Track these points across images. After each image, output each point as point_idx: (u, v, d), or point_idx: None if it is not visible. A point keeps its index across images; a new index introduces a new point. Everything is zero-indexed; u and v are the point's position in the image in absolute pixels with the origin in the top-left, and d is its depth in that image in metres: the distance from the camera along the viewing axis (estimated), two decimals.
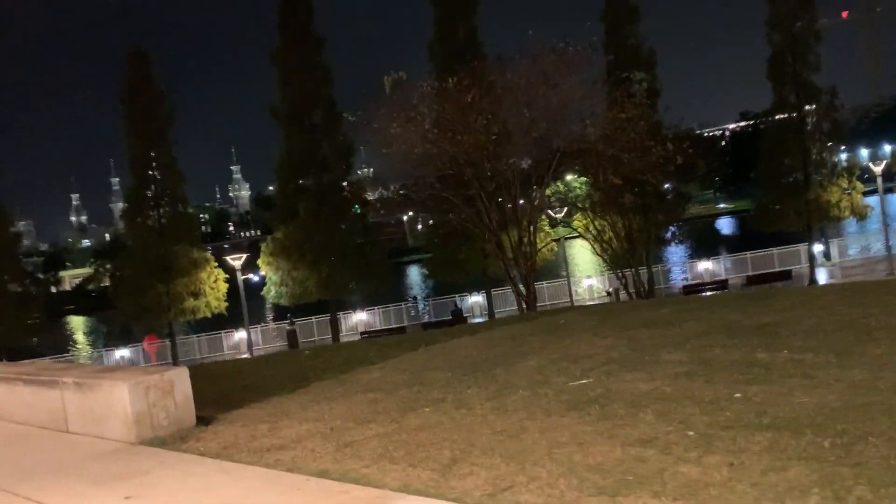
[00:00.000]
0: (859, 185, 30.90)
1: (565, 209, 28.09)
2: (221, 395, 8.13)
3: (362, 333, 33.15)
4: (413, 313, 39.10)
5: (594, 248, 27.88)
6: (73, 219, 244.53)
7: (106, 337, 68.80)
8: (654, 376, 6.10)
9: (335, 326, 33.13)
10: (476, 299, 36.48)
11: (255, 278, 36.93)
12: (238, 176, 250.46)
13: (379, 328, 34.65)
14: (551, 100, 16.55)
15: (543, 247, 19.87)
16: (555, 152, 17.26)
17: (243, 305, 31.14)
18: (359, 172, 33.98)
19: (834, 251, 34.19)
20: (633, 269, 24.47)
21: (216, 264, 34.32)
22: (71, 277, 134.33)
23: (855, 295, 9.46)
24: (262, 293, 33.58)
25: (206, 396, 7.35)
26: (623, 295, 29.59)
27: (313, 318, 36.05)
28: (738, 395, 5.22)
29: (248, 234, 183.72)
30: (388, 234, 57.49)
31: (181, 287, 33.02)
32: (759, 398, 5.06)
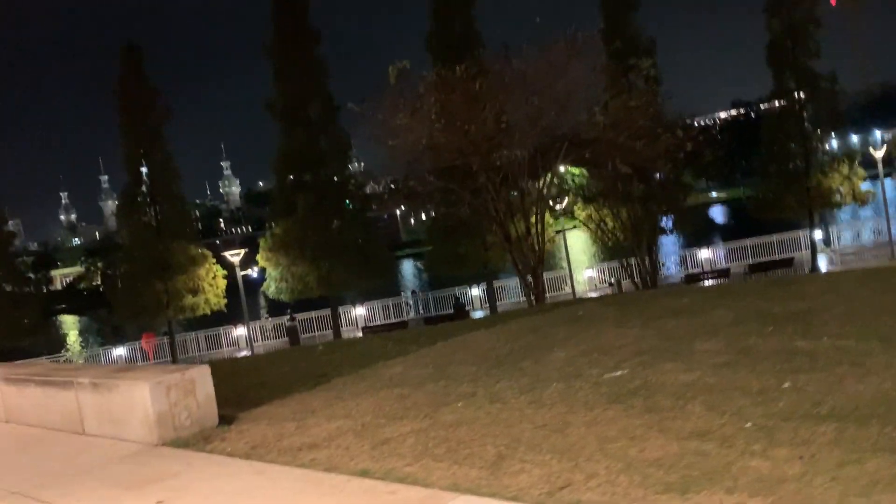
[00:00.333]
0: (860, 172, 30.91)
1: (566, 200, 27.92)
2: (238, 393, 7.92)
3: (363, 328, 32.95)
4: (411, 308, 38.89)
5: (598, 239, 27.74)
6: (62, 217, 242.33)
7: (99, 336, 68.39)
8: (693, 367, 5.93)
9: (336, 322, 32.92)
10: (475, 292, 36.34)
11: (254, 274, 36.65)
12: (228, 172, 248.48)
13: (379, 323, 34.47)
14: (559, 88, 16.35)
15: (550, 239, 19.73)
16: (562, 141, 17.07)
17: (243, 302, 30.92)
18: (349, 168, 33.45)
19: (833, 238, 34.19)
20: (637, 259, 24.34)
21: (214, 260, 34.03)
22: (61, 276, 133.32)
23: (878, 281, 9.34)
24: (261, 289, 33.31)
25: (222, 395, 7.13)
26: (627, 285, 29.52)
27: (313, 314, 35.83)
28: (786, 384, 5.06)
29: (239, 230, 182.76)
30: (380, 230, 57.31)
31: (180, 284, 32.70)
32: (811, 388, 4.90)
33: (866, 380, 4.90)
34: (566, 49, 16.57)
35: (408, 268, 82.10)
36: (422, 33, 31.53)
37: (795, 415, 4.40)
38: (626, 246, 27.13)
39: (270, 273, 32.13)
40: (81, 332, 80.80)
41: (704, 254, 35.11)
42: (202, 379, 6.47)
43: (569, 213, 28.27)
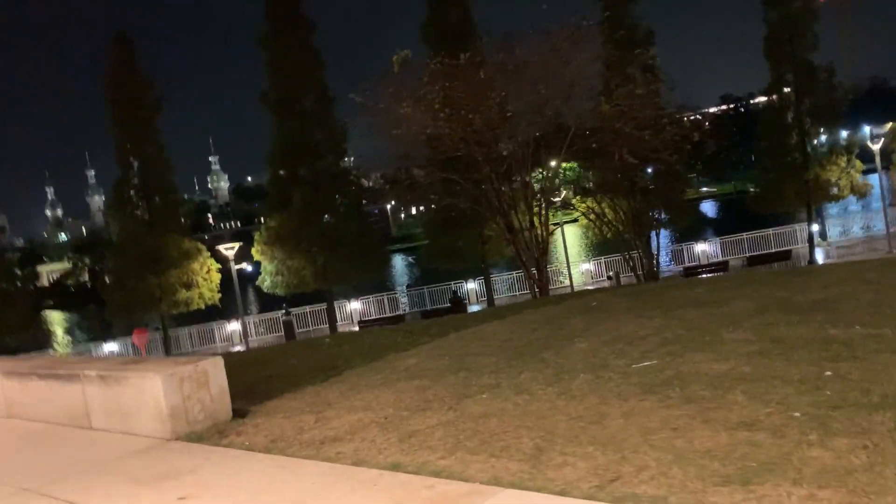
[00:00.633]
0: (858, 164, 30.93)
1: (563, 193, 27.75)
2: (247, 386, 7.70)
3: (360, 322, 32.69)
4: (406, 302, 38.63)
5: (597, 232, 27.58)
6: (48, 213, 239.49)
7: (87, 332, 67.81)
8: (724, 356, 5.77)
9: (332, 316, 32.64)
10: (471, 286, 36.17)
11: (249, 268, 36.27)
12: (217, 167, 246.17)
13: (375, 317, 34.22)
14: (564, 76, 16.14)
15: (551, 231, 19.55)
16: (567, 130, 16.87)
17: (237, 296, 30.57)
18: (345, 160, 33.05)
19: (829, 231, 34.26)
20: (639, 252, 24.22)
21: (209, 254, 33.64)
22: (48, 272, 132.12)
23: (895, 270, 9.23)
24: (257, 283, 32.93)
25: (231, 388, 6.93)
26: (624, 279, 29.40)
27: (307, 308, 35.53)
28: (828, 373, 4.90)
29: (228, 226, 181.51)
30: (370, 225, 56.73)
31: (173, 278, 32.31)
32: (855, 376, 4.74)
33: None
34: (571, 36, 16.36)
35: (399, 263, 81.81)
36: (415, 23, 31.33)
37: (846, 403, 4.24)
38: (623, 239, 27.03)
39: (265, 267, 31.78)
40: (70, 329, 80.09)
41: (701, 247, 35.12)
42: (215, 371, 6.26)
43: (567, 205, 28.06)
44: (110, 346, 36.23)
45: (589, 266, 36.25)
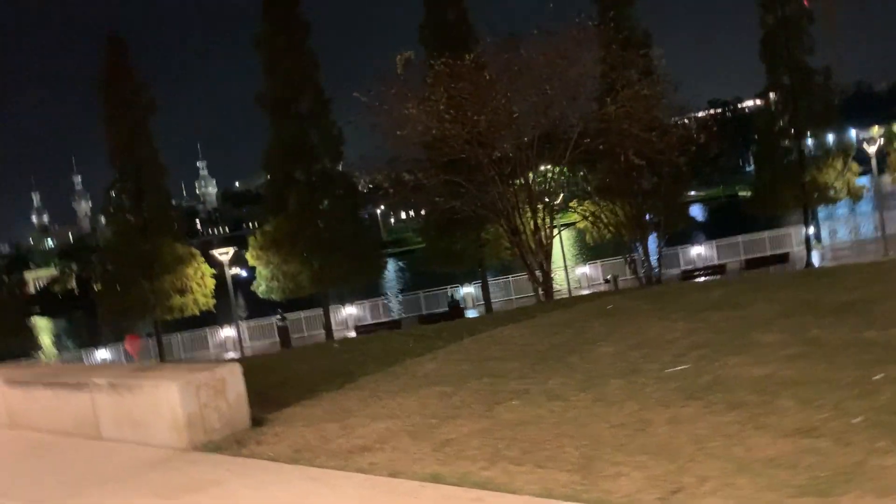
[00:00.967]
0: (854, 166, 31.03)
1: (560, 196, 27.60)
2: (258, 393, 7.41)
3: (356, 328, 32.39)
4: (398, 306, 38.35)
5: (599, 234, 27.46)
6: (34, 219, 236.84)
7: (75, 338, 67.03)
8: (762, 360, 5.60)
9: (328, 321, 32.31)
10: (467, 290, 35.96)
11: (244, 273, 35.88)
12: (204, 172, 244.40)
13: (371, 322, 33.94)
14: (570, 76, 16.01)
15: (558, 233, 19.40)
16: (572, 131, 16.73)
17: (232, 302, 30.23)
18: (342, 162, 32.75)
19: (824, 234, 34.37)
20: (642, 254, 24.11)
21: (203, 259, 33.23)
22: (35, 279, 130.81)
23: None
24: (251, 288, 32.55)
25: None
26: (623, 282, 29.29)
27: (302, 314, 35.19)
28: (878, 376, 4.74)
29: (217, 231, 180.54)
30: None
31: (167, 284, 31.89)
32: None
33: None
34: (577, 36, 16.25)
35: (391, 267, 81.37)
36: (412, 24, 31.19)
37: None
38: (623, 242, 26.92)
39: (261, 272, 31.43)
40: (57, 336, 79.15)
41: (696, 250, 35.08)
42: (233, 378, 6.02)
43: (566, 209, 27.90)
44: (102, 354, 35.77)
45: (585, 270, 36.14)
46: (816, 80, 30.00)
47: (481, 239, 29.98)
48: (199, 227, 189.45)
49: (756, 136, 33.53)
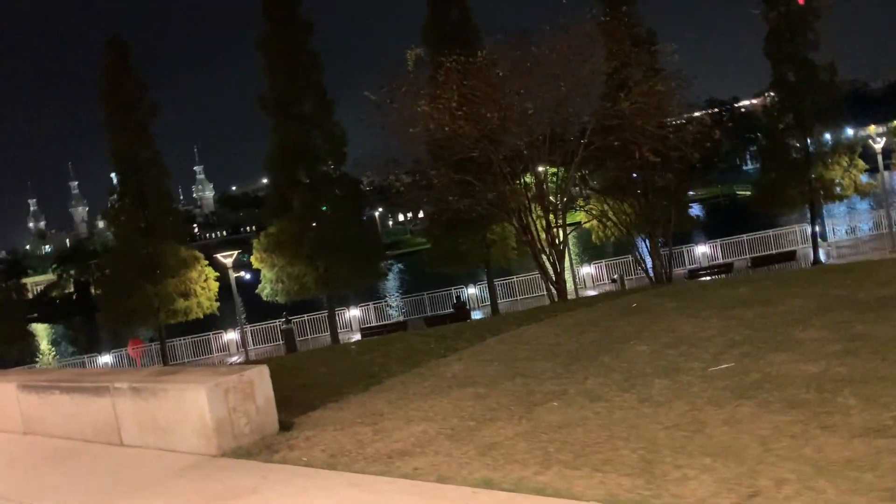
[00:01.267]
0: (860, 163, 30.86)
1: (571, 194, 27.40)
2: (282, 396, 7.23)
3: (361, 330, 32.16)
4: (405, 309, 38.11)
5: (611, 232, 27.24)
6: (31, 225, 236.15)
7: (74, 344, 66.73)
8: (809, 357, 5.42)
9: (333, 323, 32.06)
10: (472, 291, 35.75)
11: (248, 276, 35.63)
12: (201, 176, 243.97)
13: (375, 324, 33.71)
14: (583, 72, 15.85)
15: (572, 231, 19.20)
16: (584, 128, 16.57)
17: (237, 305, 30.00)
18: (345, 163, 32.53)
19: (828, 232, 34.21)
20: (659, 253, 23.94)
21: (206, 262, 32.98)
22: (33, 284, 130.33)
23: None
24: (256, 291, 32.28)
25: None
26: (629, 282, 29.10)
27: (305, 316, 34.95)
28: None
29: (215, 234, 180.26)
30: None
31: (171, 287, 31.63)
32: None
33: None
34: (590, 31, 16.07)
35: (392, 269, 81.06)
36: (415, 23, 31.00)
37: None
38: (627, 241, 26.69)
39: (265, 275, 31.17)
40: (56, 341, 78.80)
41: (702, 249, 34.89)
42: (261, 381, 5.84)
43: (574, 207, 27.71)
44: (105, 359, 35.49)
45: (590, 270, 35.92)
46: (822, 76, 29.84)
47: (487, 239, 29.77)
48: (196, 230, 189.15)
49: (759, 134, 33.29)
